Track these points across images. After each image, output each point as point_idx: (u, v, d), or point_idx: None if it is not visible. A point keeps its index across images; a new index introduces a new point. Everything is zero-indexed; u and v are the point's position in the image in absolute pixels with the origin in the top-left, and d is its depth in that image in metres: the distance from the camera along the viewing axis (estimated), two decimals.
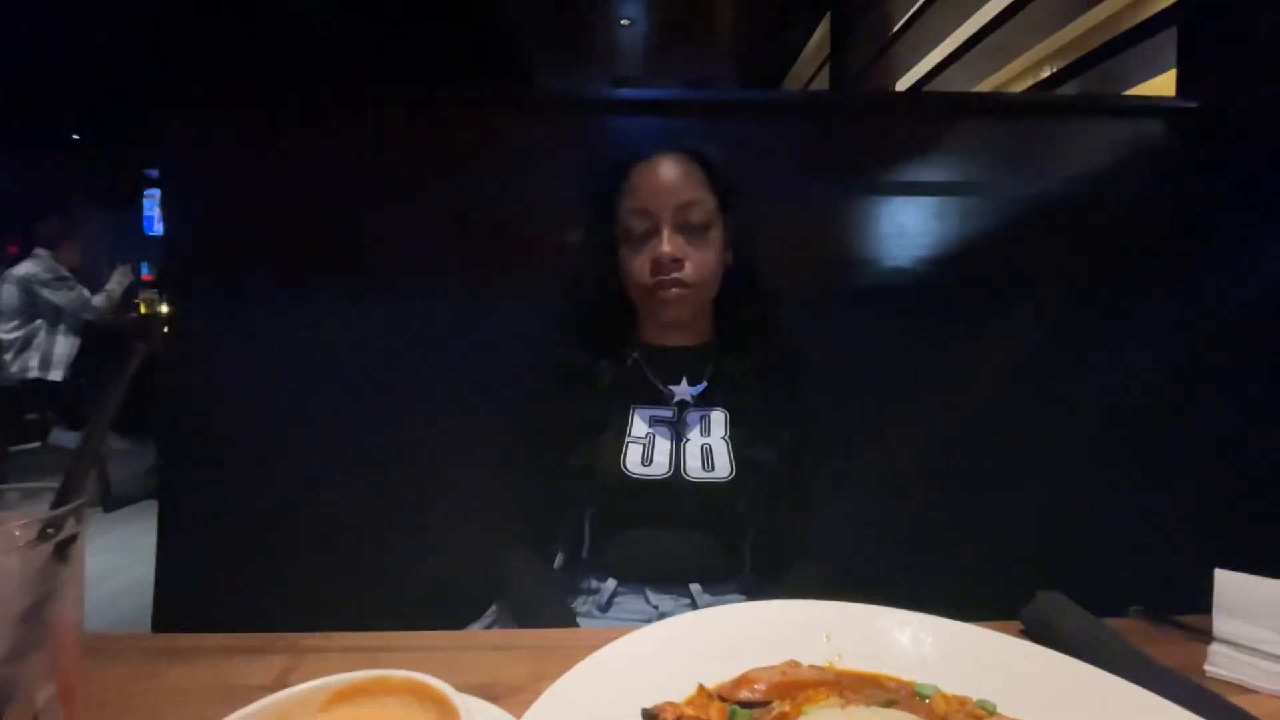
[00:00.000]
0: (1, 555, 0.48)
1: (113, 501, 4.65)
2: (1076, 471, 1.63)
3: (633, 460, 1.26)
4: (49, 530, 0.51)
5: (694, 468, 1.24)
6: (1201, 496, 1.58)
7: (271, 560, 1.67)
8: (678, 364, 1.31)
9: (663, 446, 1.26)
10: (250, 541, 1.68)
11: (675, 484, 1.21)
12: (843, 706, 0.54)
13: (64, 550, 0.51)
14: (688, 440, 1.28)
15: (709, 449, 1.28)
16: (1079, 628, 0.80)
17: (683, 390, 1.31)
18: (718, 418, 1.30)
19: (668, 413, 1.29)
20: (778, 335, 1.35)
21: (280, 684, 0.53)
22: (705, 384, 1.31)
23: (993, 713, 0.58)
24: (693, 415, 1.29)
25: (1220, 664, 0.77)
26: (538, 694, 0.58)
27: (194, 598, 1.67)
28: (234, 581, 1.64)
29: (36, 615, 0.49)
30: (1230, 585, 0.90)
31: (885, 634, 0.70)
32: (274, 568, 1.66)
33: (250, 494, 1.70)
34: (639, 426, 1.29)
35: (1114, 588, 0.98)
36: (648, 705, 0.57)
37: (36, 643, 0.49)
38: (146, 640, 0.94)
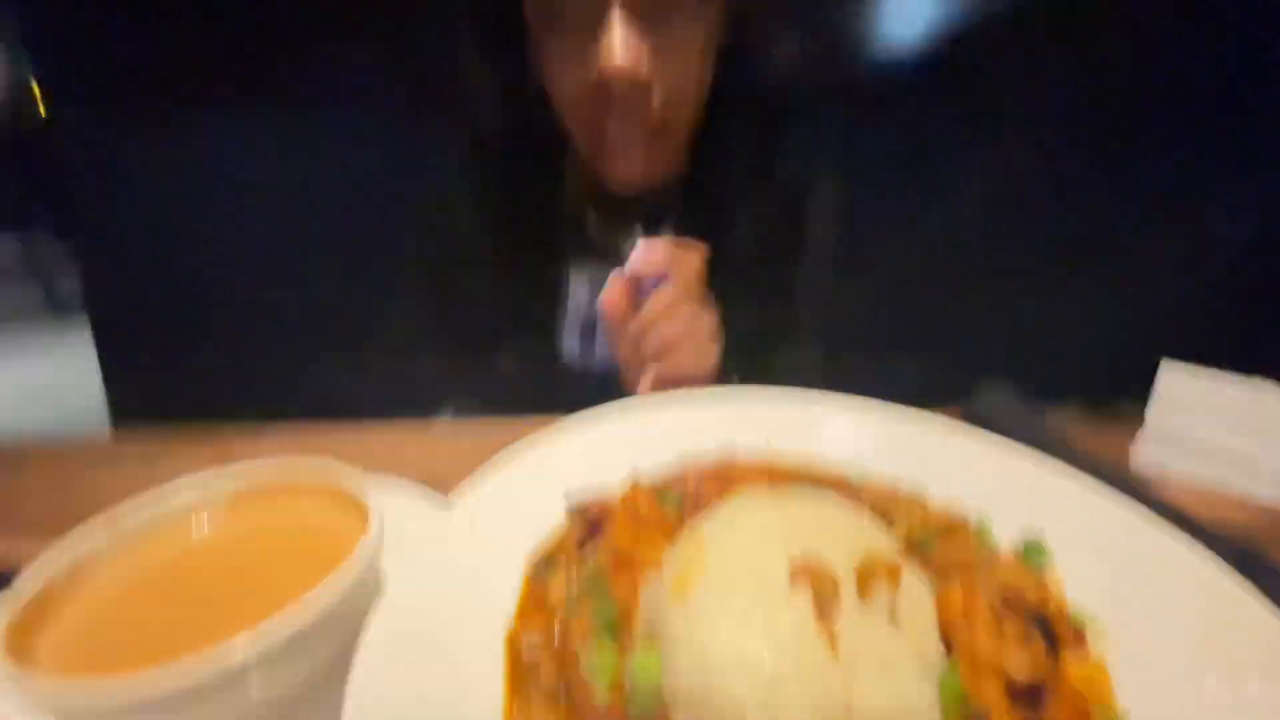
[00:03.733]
0: None
1: (57, 301, 4.51)
2: (1030, 262, 1.59)
3: (570, 340, 1.04)
4: None
5: None
6: (1150, 291, 1.58)
7: (216, 354, 1.65)
8: (631, 213, 1.00)
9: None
10: (194, 337, 1.65)
11: (618, 368, 1.04)
12: (773, 493, 0.52)
13: None
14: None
15: None
16: (1015, 417, 0.81)
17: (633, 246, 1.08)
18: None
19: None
20: (778, 164, 1.01)
21: None
22: (664, 235, 1.00)
23: (923, 498, 0.58)
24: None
25: (1148, 455, 0.79)
26: None
27: (146, 397, 1.66)
28: (181, 379, 1.63)
29: None
30: (1174, 377, 0.91)
31: (822, 420, 0.68)
32: (221, 361, 1.64)
33: (183, 294, 1.62)
34: (578, 296, 1.03)
35: (1058, 380, 0.99)
36: (576, 496, 0.55)
37: None
38: (67, 445, 0.91)
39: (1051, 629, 0.45)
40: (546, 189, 1.00)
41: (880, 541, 0.45)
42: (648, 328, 0.79)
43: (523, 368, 1.12)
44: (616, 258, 1.00)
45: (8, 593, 0.41)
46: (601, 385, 1.05)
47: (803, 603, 0.39)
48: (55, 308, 4.49)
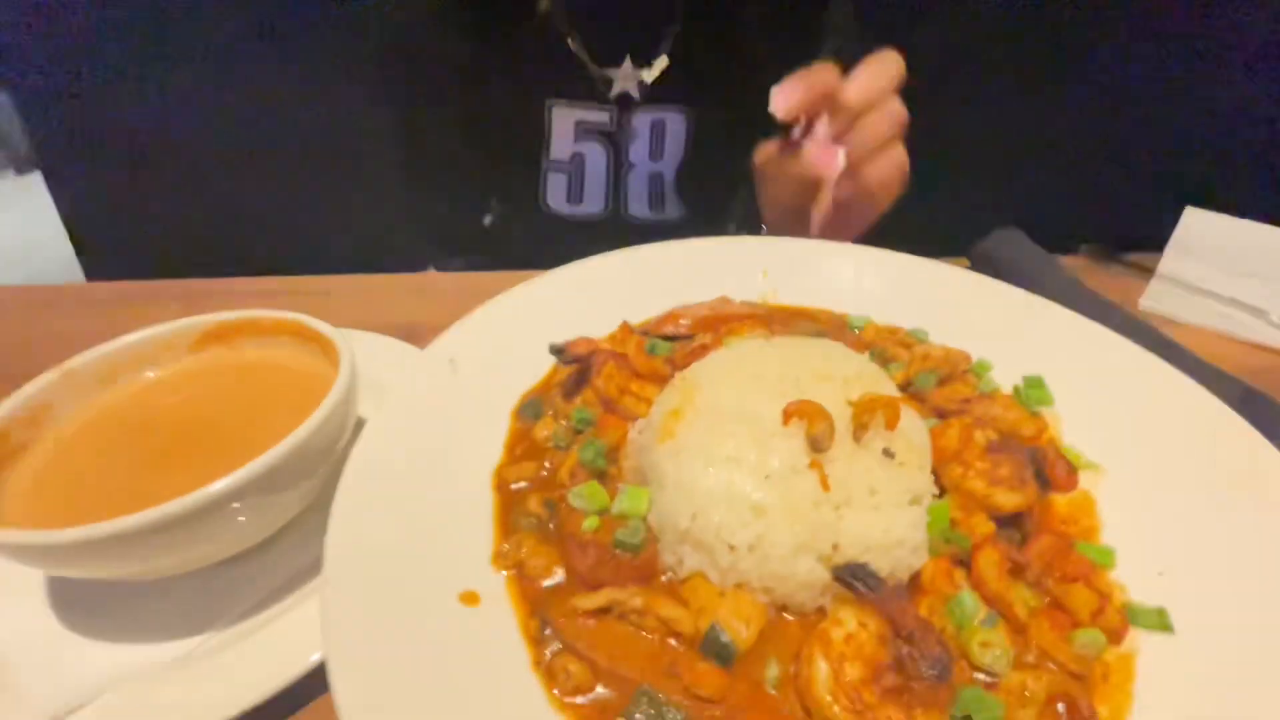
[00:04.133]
0: None
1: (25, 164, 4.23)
2: (1050, 101, 1.46)
3: (555, 194, 0.92)
4: None
5: (638, 206, 0.92)
6: (1168, 136, 1.47)
7: (177, 203, 1.57)
8: (620, 30, 0.84)
9: (596, 174, 0.91)
10: (156, 184, 1.55)
11: (612, 226, 0.91)
12: (768, 339, 0.49)
13: None
14: (632, 166, 0.92)
15: (659, 180, 0.92)
16: (1023, 260, 0.76)
17: (627, 75, 0.86)
18: (676, 125, 0.90)
19: (603, 116, 0.88)
20: None
21: None
22: (665, 62, 0.86)
23: (923, 340, 0.55)
24: (641, 121, 0.89)
25: (1157, 300, 0.76)
26: None
27: (112, 248, 1.60)
28: (147, 229, 1.56)
29: None
30: (1196, 223, 0.85)
31: (823, 268, 0.64)
32: (181, 210, 1.56)
33: (142, 135, 1.49)
34: (561, 141, 0.90)
35: (1069, 225, 0.93)
36: (563, 342, 0.52)
37: None
38: (24, 293, 0.87)
39: (1045, 467, 0.44)
40: (523, 8, 0.86)
41: (879, 382, 0.43)
42: (864, 116, 0.64)
43: (502, 219, 1.05)
44: (605, 90, 0.88)
45: None
46: (587, 237, 0.98)
47: (795, 440, 0.38)
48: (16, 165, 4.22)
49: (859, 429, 0.38)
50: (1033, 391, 0.50)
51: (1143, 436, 0.46)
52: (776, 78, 0.83)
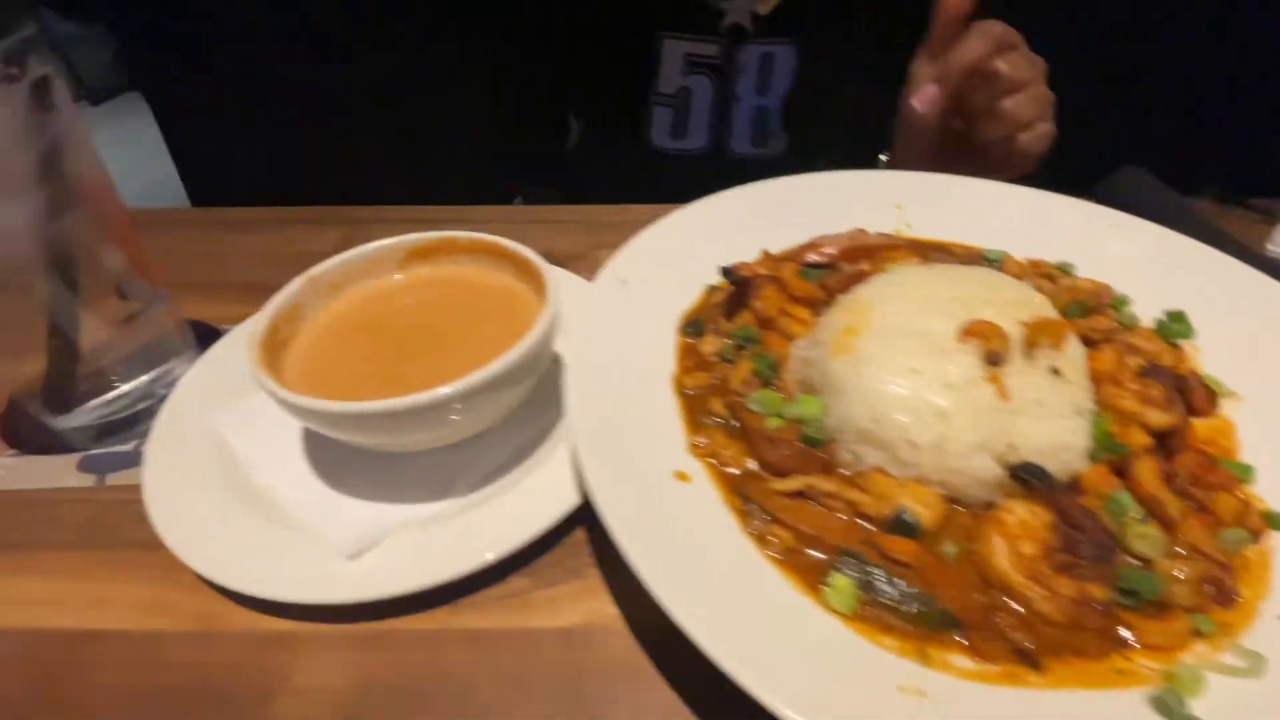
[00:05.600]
0: None
1: (88, 92, 4.34)
2: (1168, 46, 1.38)
3: (659, 128, 0.92)
4: (11, 71, 0.42)
5: (740, 142, 0.90)
6: None
7: (284, 138, 1.62)
8: None
9: (701, 108, 0.91)
10: (254, 123, 1.60)
11: (715, 162, 0.90)
12: (928, 266, 0.53)
13: (43, 93, 0.42)
14: (738, 100, 0.91)
15: (765, 114, 0.91)
16: (1150, 199, 0.76)
17: (741, 7, 0.84)
18: (785, 59, 0.89)
19: (713, 50, 0.88)
20: None
21: (342, 250, 0.53)
22: None
23: (1068, 273, 0.58)
24: (751, 55, 0.89)
25: None
26: (597, 261, 0.57)
27: (221, 183, 1.68)
28: (253, 164, 1.63)
29: (51, 169, 0.44)
30: None
31: (956, 202, 0.66)
32: (286, 146, 1.62)
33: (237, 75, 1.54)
34: (670, 74, 0.90)
35: (1194, 167, 0.91)
36: (722, 264, 0.57)
37: (67, 200, 0.45)
38: (200, 214, 0.95)
39: (1188, 393, 0.48)
40: None
41: (1042, 308, 0.46)
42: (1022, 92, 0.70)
43: (586, 152, 1.07)
44: (717, 22, 0.88)
45: (246, 329, 0.47)
46: (685, 171, 0.99)
47: (970, 356, 0.42)
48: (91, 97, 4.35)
49: (1030, 348, 0.42)
50: (1175, 325, 0.53)
51: (1277, 369, 0.49)
52: (886, 10, 0.82)
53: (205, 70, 1.57)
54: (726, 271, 0.56)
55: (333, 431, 0.43)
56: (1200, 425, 0.47)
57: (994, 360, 0.41)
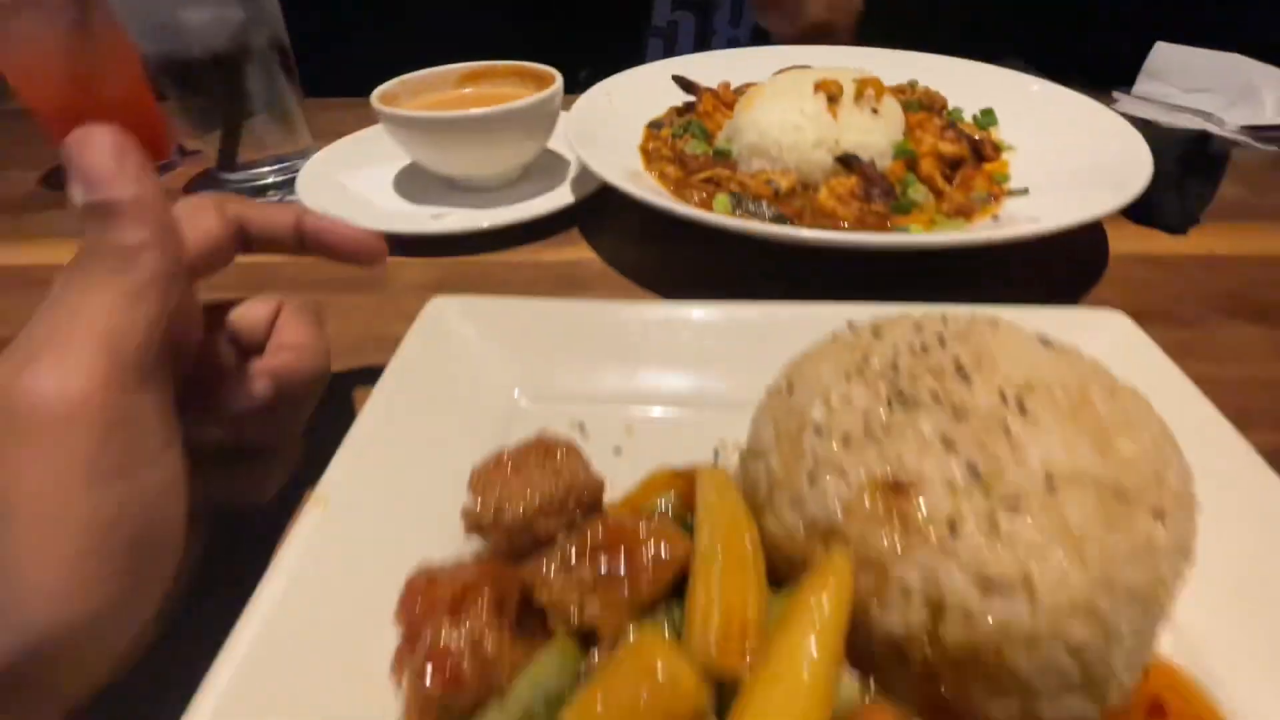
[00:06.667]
0: None
1: None
2: None
3: (653, 56, 1.18)
4: None
5: None
6: None
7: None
8: None
9: (686, 38, 1.16)
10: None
11: None
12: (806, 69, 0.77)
13: None
14: (714, 32, 1.16)
15: (737, 42, 1.16)
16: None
17: None
18: None
19: None
20: None
21: None
22: None
23: (915, 86, 0.82)
24: None
25: (1128, 108, 0.99)
26: None
27: None
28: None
29: None
30: (1163, 54, 1.06)
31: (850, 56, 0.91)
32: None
33: None
34: (661, 10, 1.15)
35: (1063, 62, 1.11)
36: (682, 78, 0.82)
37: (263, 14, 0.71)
38: None
39: (981, 146, 0.71)
40: None
41: (876, 80, 0.71)
42: None
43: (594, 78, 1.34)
44: None
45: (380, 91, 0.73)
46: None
47: (820, 101, 0.67)
48: None
49: (858, 96, 0.67)
50: (985, 116, 0.77)
51: (1055, 146, 0.72)
52: None
53: None
54: (683, 82, 0.82)
55: (417, 140, 0.69)
56: (989, 166, 0.71)
57: (832, 99, 0.66)
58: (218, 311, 0.38)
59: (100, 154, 0.28)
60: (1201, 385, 0.48)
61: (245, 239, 0.38)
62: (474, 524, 0.31)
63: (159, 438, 0.28)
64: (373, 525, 0.32)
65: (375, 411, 0.37)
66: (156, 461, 0.28)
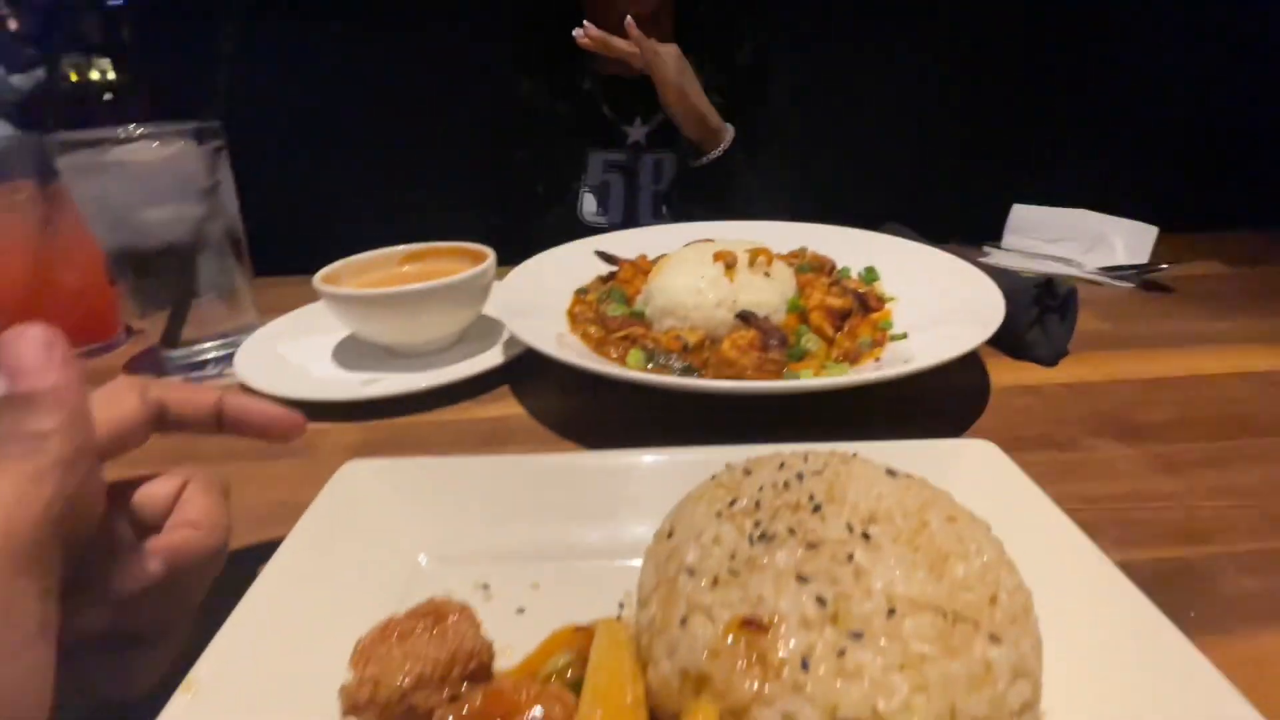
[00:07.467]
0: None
1: None
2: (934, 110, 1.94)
3: (588, 208, 1.42)
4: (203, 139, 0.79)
5: (645, 216, 1.39)
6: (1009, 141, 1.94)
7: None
8: (633, 97, 1.34)
9: (617, 194, 1.39)
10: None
11: (626, 229, 1.30)
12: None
13: (216, 152, 0.79)
14: (640, 189, 1.40)
15: (660, 196, 1.40)
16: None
17: (637, 131, 1.38)
18: (668, 160, 1.39)
19: (622, 156, 1.39)
20: (744, 40, 1.35)
21: None
22: (659, 120, 1.33)
23: (804, 251, 0.93)
24: (646, 159, 1.40)
25: (994, 259, 1.14)
26: None
27: None
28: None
29: (214, 190, 0.79)
30: (1020, 213, 1.25)
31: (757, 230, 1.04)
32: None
33: None
34: (594, 172, 1.39)
35: (941, 223, 1.28)
36: (605, 253, 0.92)
37: (219, 209, 0.80)
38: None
39: (867, 298, 0.81)
40: (573, 82, 1.36)
41: (766, 248, 0.81)
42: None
43: (554, 226, 1.50)
44: (624, 139, 1.39)
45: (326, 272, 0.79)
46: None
47: (719, 269, 0.76)
48: None
49: (751, 263, 0.77)
50: (869, 273, 0.88)
51: (929, 295, 0.82)
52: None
53: None
54: (606, 256, 0.91)
55: (354, 316, 0.74)
56: (875, 315, 0.80)
57: (729, 265, 0.75)
58: (123, 488, 0.39)
59: (30, 349, 0.31)
60: (1083, 504, 0.52)
61: (164, 421, 0.40)
62: (350, 704, 0.30)
63: (29, 628, 0.27)
64: (243, 711, 0.31)
65: (266, 584, 0.37)
66: (19, 655, 0.27)
